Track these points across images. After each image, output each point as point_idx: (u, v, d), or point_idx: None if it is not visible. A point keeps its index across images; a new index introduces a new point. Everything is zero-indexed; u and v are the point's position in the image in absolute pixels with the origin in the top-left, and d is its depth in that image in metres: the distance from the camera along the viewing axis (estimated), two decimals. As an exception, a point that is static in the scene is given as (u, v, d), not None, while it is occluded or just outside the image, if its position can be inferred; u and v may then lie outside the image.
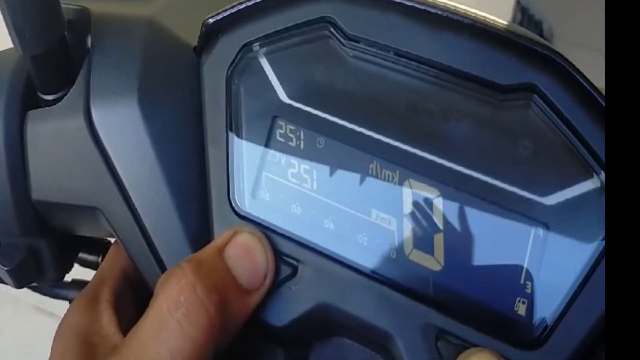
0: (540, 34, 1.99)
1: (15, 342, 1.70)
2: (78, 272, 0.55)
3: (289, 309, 0.38)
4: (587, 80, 0.35)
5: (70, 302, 0.53)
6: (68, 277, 0.55)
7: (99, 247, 0.55)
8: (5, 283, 0.47)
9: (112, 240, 0.53)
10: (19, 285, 0.46)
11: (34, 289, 0.52)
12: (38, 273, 0.47)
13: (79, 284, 0.55)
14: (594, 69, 0.47)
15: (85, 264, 0.55)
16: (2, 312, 1.73)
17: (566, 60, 0.35)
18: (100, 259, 0.54)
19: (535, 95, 0.35)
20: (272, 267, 0.38)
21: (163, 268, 0.41)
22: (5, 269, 0.45)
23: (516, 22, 2.01)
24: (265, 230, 0.39)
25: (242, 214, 0.39)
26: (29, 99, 0.44)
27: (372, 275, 0.37)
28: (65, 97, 0.43)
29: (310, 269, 0.38)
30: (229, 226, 0.39)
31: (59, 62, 0.43)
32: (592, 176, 0.34)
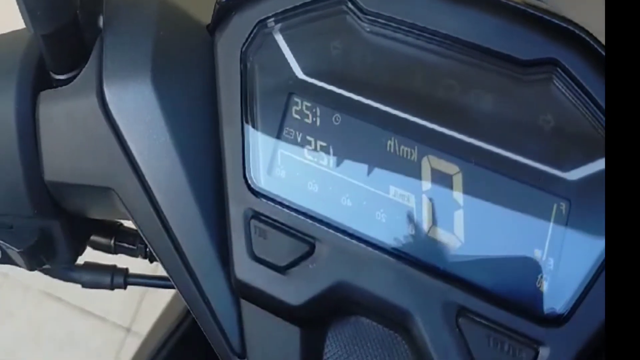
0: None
1: (25, 326, 1.71)
2: (90, 256, 0.55)
3: (306, 287, 0.37)
4: None
5: (82, 286, 0.53)
6: (80, 260, 0.55)
7: (112, 230, 0.55)
8: (17, 265, 0.47)
9: (125, 223, 0.53)
10: (31, 267, 0.46)
11: (46, 271, 0.52)
12: (50, 255, 0.47)
13: (91, 267, 0.54)
14: None
15: (97, 246, 0.54)
16: (12, 297, 1.74)
17: (589, 33, 0.34)
18: (112, 242, 0.54)
19: (558, 70, 0.35)
20: None
21: (178, 248, 0.40)
22: (17, 250, 0.44)
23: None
24: (281, 208, 0.38)
25: (258, 190, 0.39)
26: (41, 79, 0.44)
27: (390, 252, 0.37)
28: (77, 77, 0.42)
29: (327, 247, 0.37)
30: (244, 204, 0.39)
31: (71, 41, 0.42)
32: None
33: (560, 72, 0.34)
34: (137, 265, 0.58)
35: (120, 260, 0.58)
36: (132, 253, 0.55)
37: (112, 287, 0.54)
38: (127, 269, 0.56)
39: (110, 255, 0.56)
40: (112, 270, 0.55)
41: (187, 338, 0.77)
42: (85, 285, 0.54)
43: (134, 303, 1.71)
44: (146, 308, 1.70)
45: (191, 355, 0.77)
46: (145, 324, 0.85)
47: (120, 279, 0.55)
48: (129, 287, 0.56)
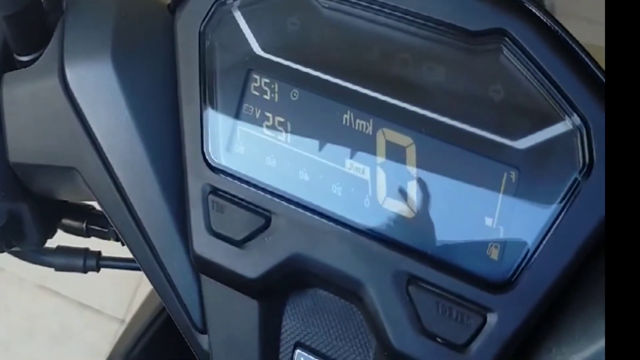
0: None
1: (20, 319, 1.72)
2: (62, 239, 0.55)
3: (263, 260, 0.38)
4: (558, 24, 0.34)
5: (55, 269, 0.54)
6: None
7: (83, 213, 0.55)
8: (-13, 247, 0.47)
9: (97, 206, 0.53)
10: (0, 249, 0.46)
11: (17, 254, 0.52)
12: (19, 238, 0.47)
13: (63, 250, 0.55)
14: (596, 41, 0.46)
15: (69, 229, 0.55)
16: (8, 290, 1.75)
17: (536, 4, 0.35)
18: (84, 225, 0.54)
19: (506, 39, 0.35)
20: None
21: (139, 225, 0.41)
22: (-15, 233, 0.45)
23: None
24: (239, 183, 0.39)
25: (216, 166, 0.39)
26: (5, 62, 0.44)
27: (345, 224, 0.37)
28: (39, 58, 0.43)
29: (283, 220, 0.38)
30: (202, 180, 0.39)
31: (33, 22, 0.42)
32: (563, 119, 0.34)
33: (509, 42, 0.35)
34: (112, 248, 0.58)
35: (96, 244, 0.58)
36: (103, 236, 0.55)
37: (84, 270, 0.55)
38: (99, 252, 0.56)
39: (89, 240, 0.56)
40: (85, 253, 0.55)
41: (171, 321, 0.77)
42: (57, 268, 0.54)
43: (129, 295, 1.72)
44: (140, 300, 1.70)
45: (173, 341, 0.77)
46: (140, 316, 0.87)
47: (92, 261, 0.55)
48: (123, 278, 0.56)
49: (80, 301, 1.72)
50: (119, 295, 1.71)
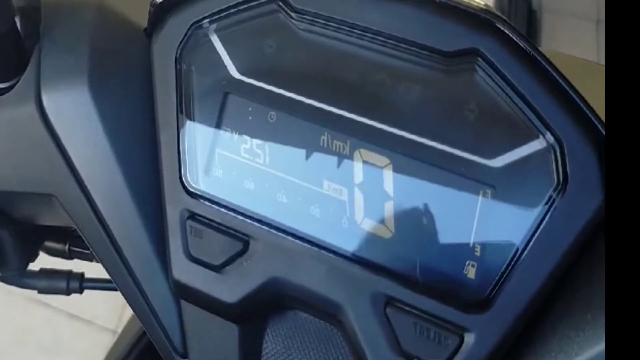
0: (529, 6, 1.97)
1: (10, 331, 1.71)
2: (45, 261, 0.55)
3: (241, 284, 0.38)
4: (529, 43, 0.35)
5: (38, 292, 0.54)
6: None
7: (65, 235, 0.55)
8: (-32, 273, 0.47)
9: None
10: (-21, 275, 0.46)
11: (0, 279, 0.52)
12: (1, 263, 0.47)
13: (46, 273, 0.54)
14: (584, 37, 0.47)
15: (52, 252, 0.55)
16: (-2, 302, 1.74)
17: (507, 23, 0.35)
18: (66, 247, 0.54)
19: (479, 59, 0.35)
20: None
21: (119, 251, 0.41)
22: (-35, 259, 0.44)
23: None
24: (217, 207, 0.39)
25: (194, 192, 0.39)
26: None
27: (323, 246, 0.37)
28: (16, 85, 0.42)
29: (261, 244, 0.38)
30: (180, 206, 0.39)
31: (9, 49, 0.42)
32: (537, 137, 0.34)
33: (482, 62, 0.35)
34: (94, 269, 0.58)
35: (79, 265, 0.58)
36: (86, 257, 0.55)
37: (68, 292, 0.55)
38: (82, 274, 0.56)
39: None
40: (68, 275, 0.55)
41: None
42: (41, 291, 0.54)
43: (120, 305, 1.72)
44: (131, 311, 1.70)
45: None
46: (131, 326, 0.87)
47: (76, 283, 0.55)
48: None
49: (71, 312, 1.72)
50: (110, 306, 1.71)
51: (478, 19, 0.35)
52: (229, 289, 0.38)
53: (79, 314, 1.72)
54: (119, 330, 1.70)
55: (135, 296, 0.41)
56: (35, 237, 0.52)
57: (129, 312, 1.68)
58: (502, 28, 0.35)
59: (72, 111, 0.41)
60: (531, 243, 0.34)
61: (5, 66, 0.43)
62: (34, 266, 0.54)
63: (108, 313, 1.71)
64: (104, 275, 0.56)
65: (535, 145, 0.34)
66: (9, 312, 1.73)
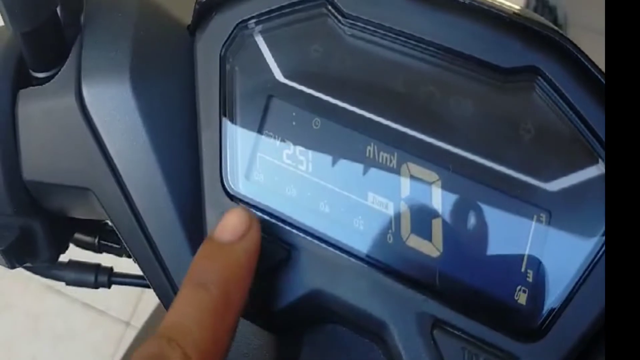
0: (555, 20, 1.95)
1: (24, 317, 1.72)
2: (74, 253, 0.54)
3: (282, 294, 0.37)
4: (592, 63, 0.33)
5: (66, 284, 0.53)
6: (65, 258, 0.54)
7: (96, 228, 0.54)
8: (-2, 263, 0.46)
9: (108, 222, 0.52)
10: (11, 265, 0.46)
11: (29, 269, 0.51)
12: (31, 254, 0.47)
13: (75, 265, 0.54)
14: None
15: (81, 244, 0.54)
16: (13, 288, 1.75)
17: (570, 42, 0.33)
18: (96, 240, 0.53)
19: (539, 78, 0.34)
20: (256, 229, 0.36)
21: (155, 250, 0.40)
22: (-2, 249, 0.44)
23: (530, 7, 1.98)
24: (258, 213, 0.38)
25: (235, 195, 0.38)
26: (20, 78, 0.43)
27: (367, 261, 0.36)
28: (56, 76, 0.42)
29: (303, 254, 0.37)
30: (220, 208, 0.38)
31: (50, 39, 0.42)
32: (597, 162, 0.33)
33: (542, 81, 0.34)
34: (123, 263, 0.58)
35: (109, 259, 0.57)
36: (116, 252, 0.54)
37: (96, 286, 0.54)
38: (111, 268, 0.55)
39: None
40: (96, 268, 0.54)
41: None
42: (68, 283, 0.54)
43: (134, 298, 1.72)
44: (146, 303, 1.70)
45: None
46: (144, 318, 0.86)
47: (104, 277, 0.54)
48: None
49: (85, 302, 1.72)
50: (125, 298, 1.71)
51: (539, 36, 0.34)
52: (269, 298, 0.37)
53: (94, 304, 1.72)
54: (133, 322, 1.70)
55: (168, 294, 0.40)
56: (66, 229, 0.51)
57: (143, 304, 1.68)
58: (565, 46, 0.34)
59: (112, 105, 0.40)
60: (587, 273, 0.33)
61: (45, 56, 0.42)
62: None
63: (122, 304, 1.71)
64: (132, 270, 0.56)
65: (595, 171, 0.33)
66: (23, 299, 1.74)
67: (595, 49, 0.34)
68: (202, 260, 0.35)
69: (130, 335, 1.68)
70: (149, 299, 1.69)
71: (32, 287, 1.74)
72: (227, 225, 0.35)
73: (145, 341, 0.31)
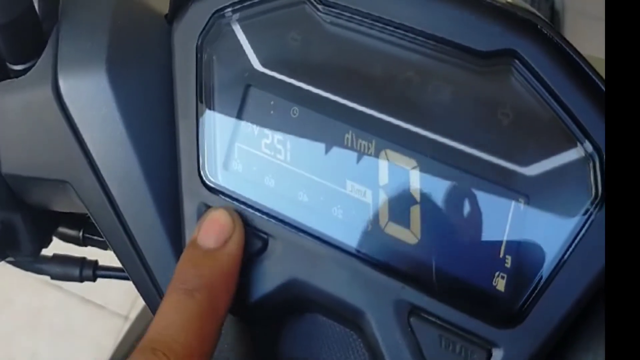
0: (552, 6, 1.94)
1: (23, 313, 1.72)
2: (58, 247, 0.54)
3: (259, 284, 0.36)
4: (570, 46, 0.33)
5: (51, 278, 0.53)
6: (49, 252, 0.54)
7: (80, 222, 0.54)
8: (-20, 257, 0.46)
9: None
10: (-7, 259, 0.45)
11: (13, 263, 0.51)
12: (13, 247, 0.46)
13: (59, 259, 0.54)
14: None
15: (65, 238, 0.54)
16: (12, 282, 1.75)
17: (548, 25, 0.33)
18: (80, 234, 0.53)
19: (516, 61, 0.33)
20: (239, 232, 0.36)
21: (133, 242, 0.40)
22: (-23, 243, 0.44)
23: (526, -6, 1.96)
24: (236, 203, 0.37)
25: (212, 186, 0.38)
26: None
27: (345, 250, 0.36)
28: (33, 68, 0.41)
29: (281, 243, 0.36)
30: (198, 199, 0.38)
31: (27, 31, 0.41)
32: (575, 145, 0.32)
33: (519, 64, 0.33)
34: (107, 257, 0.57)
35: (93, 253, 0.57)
36: (101, 245, 0.54)
37: (81, 280, 0.54)
38: (96, 261, 0.55)
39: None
40: (81, 262, 0.54)
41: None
42: (54, 277, 0.53)
43: (133, 292, 1.71)
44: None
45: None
46: (143, 312, 0.86)
47: (89, 271, 0.54)
48: None
49: (84, 296, 1.72)
50: (123, 292, 1.71)
51: (516, 19, 0.33)
52: (246, 288, 0.36)
53: (92, 299, 1.72)
54: (132, 316, 1.70)
55: (147, 287, 0.40)
56: (48, 223, 0.51)
57: (141, 299, 1.69)
58: (542, 29, 0.33)
59: (89, 96, 0.40)
60: (565, 258, 0.32)
61: (22, 48, 0.42)
62: (47, 252, 0.53)
63: (121, 299, 1.72)
64: (118, 263, 0.55)
65: (573, 154, 0.33)
66: (22, 294, 1.74)
67: (591, 35, 0.34)
68: (186, 265, 0.35)
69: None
70: (148, 293, 1.69)
71: (30, 282, 1.74)
72: (211, 230, 0.35)
73: (132, 353, 0.31)
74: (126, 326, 1.69)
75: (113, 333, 1.68)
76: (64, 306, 1.72)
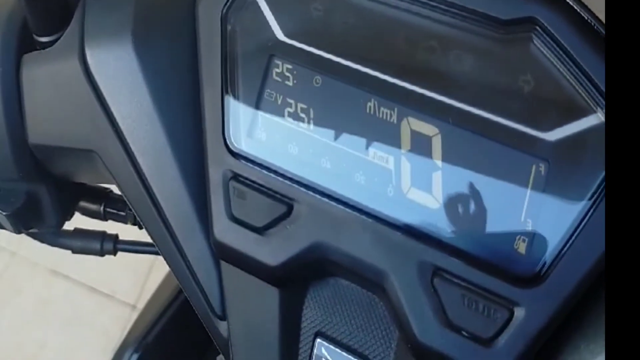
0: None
1: (32, 302, 1.73)
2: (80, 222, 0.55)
3: (284, 248, 0.37)
4: (591, 13, 0.33)
5: (72, 252, 0.54)
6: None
7: (101, 196, 0.55)
8: (4, 228, 0.47)
9: (115, 189, 0.53)
10: (17, 230, 0.46)
11: (35, 236, 0.52)
12: (37, 219, 0.47)
13: (81, 233, 0.54)
14: None
15: (86, 212, 0.54)
16: (21, 274, 1.76)
17: None
18: (101, 208, 0.54)
19: (537, 28, 0.34)
20: None
21: (160, 210, 0.40)
22: (4, 213, 0.44)
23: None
24: (260, 169, 0.38)
25: (237, 152, 0.39)
26: (24, 42, 0.44)
27: (368, 213, 0.36)
28: (60, 40, 0.42)
29: (305, 208, 0.37)
30: (223, 166, 0.39)
31: (53, 3, 0.42)
32: (595, 111, 0.33)
33: (540, 31, 0.34)
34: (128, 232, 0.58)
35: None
36: (121, 219, 0.55)
37: (102, 254, 0.55)
38: (117, 235, 0.56)
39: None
40: (102, 236, 0.55)
41: (184, 309, 0.77)
42: (74, 251, 0.54)
43: (141, 281, 1.73)
44: (152, 285, 1.71)
45: (186, 329, 0.77)
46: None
47: (109, 245, 0.55)
48: (135, 264, 0.57)
49: (92, 285, 1.73)
50: (131, 281, 1.72)
51: None
52: (272, 251, 0.37)
53: (100, 288, 1.73)
54: (139, 305, 1.71)
55: (175, 256, 0.40)
56: (72, 196, 0.52)
57: (149, 287, 1.69)
58: None
59: (116, 67, 0.41)
60: (584, 221, 0.33)
61: (48, 20, 0.42)
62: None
63: (129, 287, 1.73)
64: (137, 238, 0.56)
65: (593, 120, 0.33)
66: (30, 283, 1.75)
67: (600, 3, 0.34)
68: None
69: (137, 318, 1.68)
70: (155, 282, 1.70)
71: (38, 272, 1.75)
72: None
73: None
74: (134, 315, 1.69)
75: (121, 322, 1.69)
76: (72, 296, 1.73)
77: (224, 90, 0.39)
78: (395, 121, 0.37)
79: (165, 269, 0.86)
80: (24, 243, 1.78)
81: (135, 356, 0.74)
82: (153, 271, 1.70)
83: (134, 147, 0.40)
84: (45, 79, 0.42)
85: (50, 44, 0.42)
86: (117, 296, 1.73)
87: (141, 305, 1.71)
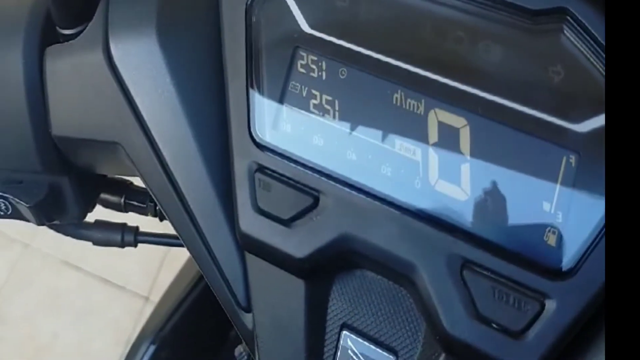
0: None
1: (43, 294, 1.74)
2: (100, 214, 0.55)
3: (310, 240, 0.37)
4: None
5: (93, 243, 0.54)
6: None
7: (122, 188, 0.55)
8: (27, 220, 0.47)
9: (135, 181, 0.53)
10: (40, 222, 0.46)
11: (57, 228, 0.52)
12: (59, 211, 0.47)
13: (102, 225, 0.55)
14: None
15: (107, 204, 0.55)
16: (32, 265, 1.77)
17: None
18: (122, 200, 0.54)
19: (568, 19, 0.34)
20: None
21: (184, 202, 0.40)
22: (27, 205, 0.45)
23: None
24: (286, 161, 0.38)
25: (263, 144, 0.39)
26: (48, 34, 0.44)
27: (395, 205, 0.36)
28: (84, 32, 0.42)
29: (332, 200, 0.37)
30: (249, 157, 0.38)
31: None
32: None
33: (571, 22, 0.33)
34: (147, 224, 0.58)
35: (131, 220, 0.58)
36: (142, 211, 0.55)
37: (122, 245, 0.55)
38: (137, 227, 0.56)
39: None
40: (123, 228, 0.55)
41: (201, 301, 0.77)
42: (95, 242, 0.54)
43: (153, 272, 1.73)
44: (165, 277, 1.72)
45: (204, 318, 0.77)
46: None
47: (130, 236, 0.55)
48: (147, 255, 0.57)
49: (104, 277, 1.74)
50: (143, 273, 1.73)
51: None
52: (298, 243, 0.37)
53: (112, 279, 1.73)
54: (152, 297, 1.71)
55: (199, 248, 0.40)
56: (93, 188, 0.52)
57: (161, 278, 1.70)
58: None
59: (140, 59, 0.40)
60: None
61: (72, 12, 0.42)
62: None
63: (141, 279, 1.73)
64: (157, 230, 0.56)
65: (624, 111, 0.33)
66: (42, 275, 1.76)
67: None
68: None
69: (149, 310, 1.69)
70: (167, 274, 1.71)
71: (50, 264, 1.76)
72: None
73: None
74: (146, 307, 1.70)
75: (133, 314, 1.70)
76: (84, 287, 1.74)
77: (249, 82, 0.39)
78: (422, 113, 0.36)
79: (179, 260, 0.87)
80: (37, 235, 1.80)
81: (152, 348, 0.74)
82: (165, 263, 1.71)
83: (158, 139, 0.40)
84: (69, 71, 0.42)
85: (74, 36, 0.42)
86: (129, 287, 1.73)
87: (153, 296, 1.72)
